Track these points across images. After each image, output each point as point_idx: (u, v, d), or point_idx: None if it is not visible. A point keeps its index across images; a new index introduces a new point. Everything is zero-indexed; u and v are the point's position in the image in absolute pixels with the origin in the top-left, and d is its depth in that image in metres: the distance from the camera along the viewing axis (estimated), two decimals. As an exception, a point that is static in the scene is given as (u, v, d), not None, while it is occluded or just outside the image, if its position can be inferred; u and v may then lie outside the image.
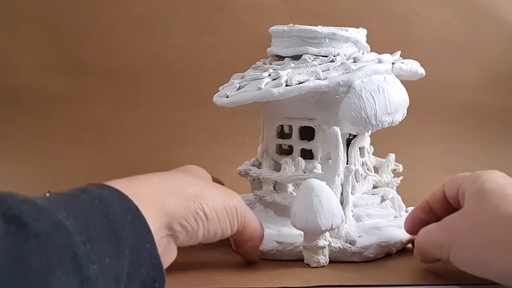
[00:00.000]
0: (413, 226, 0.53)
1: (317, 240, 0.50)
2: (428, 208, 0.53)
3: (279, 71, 0.54)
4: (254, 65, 0.60)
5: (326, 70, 0.54)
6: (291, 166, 0.56)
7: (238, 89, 0.56)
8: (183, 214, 0.44)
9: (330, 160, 0.56)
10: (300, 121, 0.57)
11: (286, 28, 0.57)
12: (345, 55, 0.57)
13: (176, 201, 0.44)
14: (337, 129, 0.53)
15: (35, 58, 0.90)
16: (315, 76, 0.53)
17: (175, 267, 0.50)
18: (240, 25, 0.85)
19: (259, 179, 0.59)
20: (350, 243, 0.52)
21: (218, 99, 0.56)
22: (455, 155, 0.83)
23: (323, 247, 0.50)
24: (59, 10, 0.90)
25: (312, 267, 0.51)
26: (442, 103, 0.88)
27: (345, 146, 0.57)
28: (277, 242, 0.53)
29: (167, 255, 0.44)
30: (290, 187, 0.57)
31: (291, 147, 0.58)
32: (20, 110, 0.90)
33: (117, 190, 0.39)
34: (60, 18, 0.90)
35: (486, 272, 0.42)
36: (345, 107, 0.53)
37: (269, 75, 0.55)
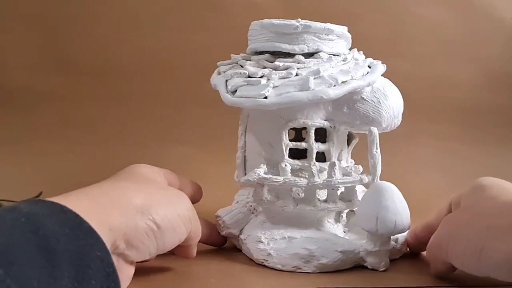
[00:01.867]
0: None
1: (389, 243, 0.49)
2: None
3: (320, 69, 0.50)
4: (250, 62, 0.54)
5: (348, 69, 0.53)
6: (316, 172, 0.52)
7: (273, 88, 0.50)
8: (132, 229, 0.39)
9: (342, 161, 0.55)
10: (315, 122, 0.54)
11: (298, 24, 0.53)
12: (349, 54, 0.56)
13: (121, 214, 0.39)
14: (375, 129, 0.52)
15: (25, 57, 0.88)
16: (351, 76, 0.51)
17: (170, 270, 0.49)
18: (233, 23, 0.78)
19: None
20: (395, 242, 0.53)
21: (251, 100, 0.49)
22: (452, 155, 0.85)
23: (391, 249, 0.50)
24: (50, 8, 0.88)
25: (382, 271, 0.50)
26: (439, 102, 0.89)
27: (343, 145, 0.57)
28: (339, 252, 0.49)
29: (120, 274, 0.38)
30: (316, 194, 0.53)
31: (304, 151, 0.54)
32: (10, 109, 0.87)
33: (52, 203, 0.36)
34: (51, 16, 0.88)
35: (482, 263, 0.40)
36: (377, 107, 0.53)
37: (296, 74, 0.51)
